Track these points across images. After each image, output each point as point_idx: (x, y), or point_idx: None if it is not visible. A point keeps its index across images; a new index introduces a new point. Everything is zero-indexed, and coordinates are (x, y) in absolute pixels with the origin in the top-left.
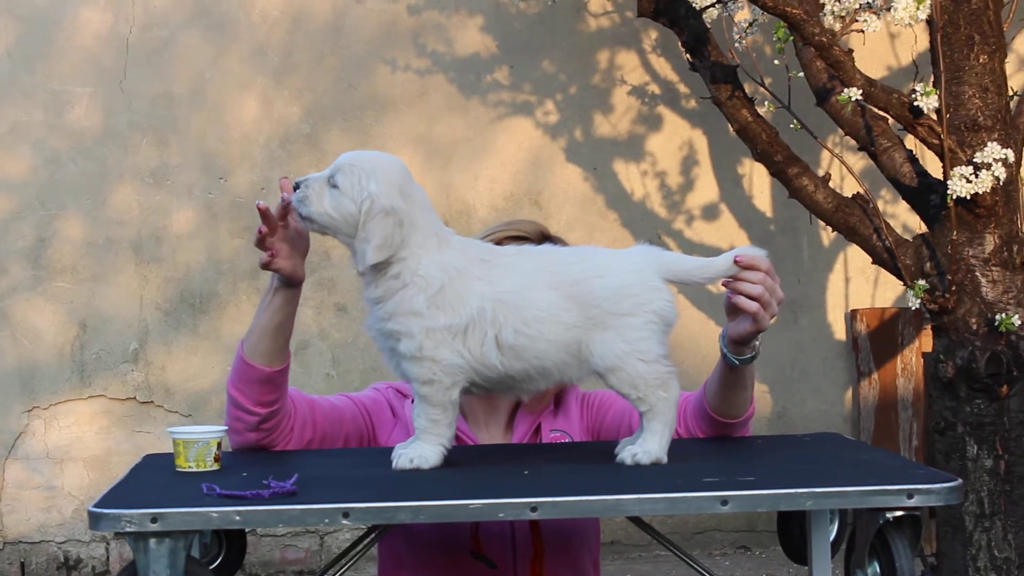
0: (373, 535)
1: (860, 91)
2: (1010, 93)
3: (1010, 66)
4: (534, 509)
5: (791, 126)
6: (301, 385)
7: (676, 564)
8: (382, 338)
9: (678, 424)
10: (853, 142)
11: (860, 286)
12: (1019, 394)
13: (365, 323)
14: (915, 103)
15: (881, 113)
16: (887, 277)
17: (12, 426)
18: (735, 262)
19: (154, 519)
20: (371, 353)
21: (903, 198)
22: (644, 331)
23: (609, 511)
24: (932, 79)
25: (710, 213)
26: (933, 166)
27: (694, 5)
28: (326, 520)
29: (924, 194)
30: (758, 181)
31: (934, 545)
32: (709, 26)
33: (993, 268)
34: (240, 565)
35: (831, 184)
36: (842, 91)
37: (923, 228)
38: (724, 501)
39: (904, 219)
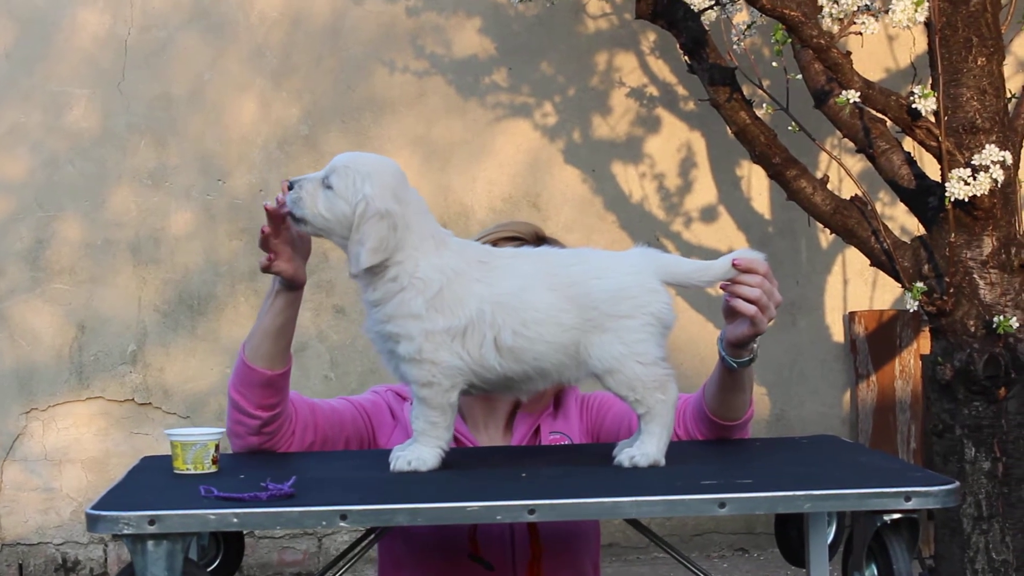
0: (371, 537)
1: (858, 93)
2: (1008, 95)
3: (1008, 68)
4: (531, 511)
5: (789, 128)
6: (299, 387)
7: (674, 567)
8: (381, 340)
9: (677, 426)
10: (851, 144)
11: (858, 288)
12: (1017, 396)
13: (364, 325)
14: (913, 105)
15: (879, 115)
16: (885, 279)
17: (10, 428)
18: (733, 265)
19: (152, 521)
20: (369, 355)
21: (901, 200)
22: (642, 333)
23: (607, 513)
24: (930, 81)
25: (708, 215)
26: (931, 168)
27: (692, 7)
28: (324, 522)
29: (922, 196)
30: (756, 183)
31: (932, 547)
32: (707, 28)
33: (991, 270)
34: (238, 567)
35: (829, 186)
36: (840, 93)
37: (921, 230)
38: (722, 504)
39: (902, 221)
